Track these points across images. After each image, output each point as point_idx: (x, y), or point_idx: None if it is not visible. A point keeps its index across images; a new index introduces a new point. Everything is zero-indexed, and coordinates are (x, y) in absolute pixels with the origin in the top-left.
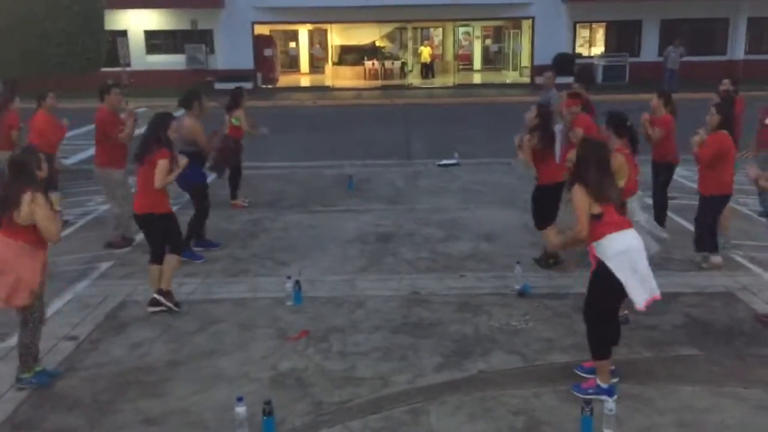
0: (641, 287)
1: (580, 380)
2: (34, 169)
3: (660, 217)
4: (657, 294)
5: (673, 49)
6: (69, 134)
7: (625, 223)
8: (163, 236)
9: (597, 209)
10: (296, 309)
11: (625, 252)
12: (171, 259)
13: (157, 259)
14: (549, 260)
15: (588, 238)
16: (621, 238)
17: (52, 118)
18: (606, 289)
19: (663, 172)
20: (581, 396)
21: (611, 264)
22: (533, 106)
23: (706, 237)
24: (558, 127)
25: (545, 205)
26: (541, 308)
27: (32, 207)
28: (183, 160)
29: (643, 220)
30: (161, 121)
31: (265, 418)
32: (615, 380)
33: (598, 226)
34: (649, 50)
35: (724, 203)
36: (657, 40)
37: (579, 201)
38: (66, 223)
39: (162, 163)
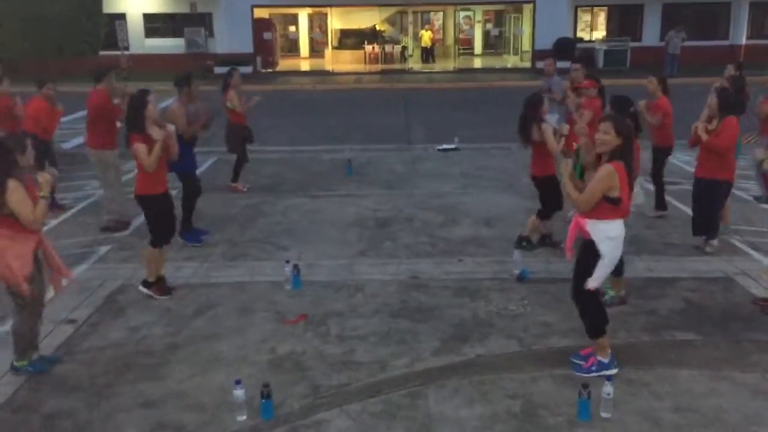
0: (606, 274)
1: (578, 364)
2: (16, 155)
3: (659, 199)
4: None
5: (674, 33)
6: (67, 118)
7: (628, 212)
8: (157, 219)
9: (617, 193)
10: (295, 293)
11: (618, 238)
12: (145, 251)
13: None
14: (544, 240)
15: (587, 213)
16: (620, 224)
17: (48, 104)
18: (589, 264)
19: (661, 156)
20: (585, 376)
21: (603, 245)
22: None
23: (715, 220)
24: (554, 117)
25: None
26: (540, 293)
27: (7, 195)
28: (169, 128)
29: (642, 203)
30: (136, 101)
31: (263, 400)
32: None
33: (610, 210)
34: (651, 35)
35: (730, 186)
36: (659, 24)
37: (606, 180)
38: (64, 208)
39: (137, 147)
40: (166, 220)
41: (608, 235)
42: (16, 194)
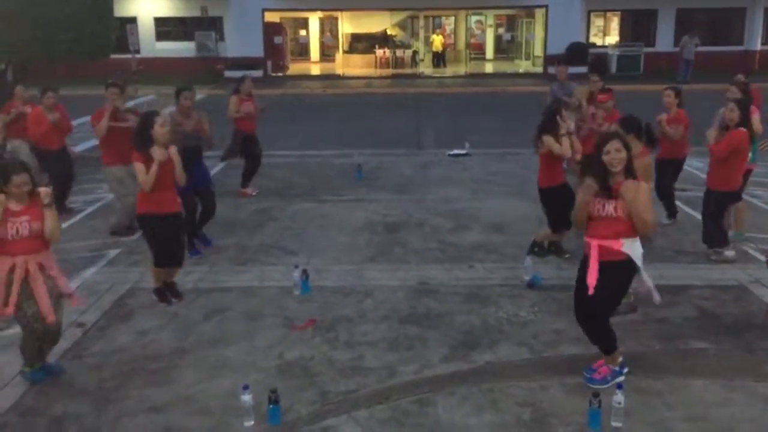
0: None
1: (591, 377)
2: None
3: (669, 206)
4: None
5: (688, 39)
6: (77, 121)
7: None
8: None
9: None
10: (303, 298)
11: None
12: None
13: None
14: (550, 247)
15: (624, 232)
16: None
17: (43, 113)
18: (628, 284)
19: (672, 168)
20: (602, 387)
21: (639, 261)
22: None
23: (712, 231)
24: (573, 124)
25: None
26: (550, 300)
27: None
28: (171, 150)
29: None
30: (143, 122)
31: (270, 406)
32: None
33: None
34: (665, 40)
35: (729, 199)
36: (672, 29)
37: (650, 197)
38: (73, 211)
39: (136, 166)
40: (163, 243)
41: (641, 248)
42: None
